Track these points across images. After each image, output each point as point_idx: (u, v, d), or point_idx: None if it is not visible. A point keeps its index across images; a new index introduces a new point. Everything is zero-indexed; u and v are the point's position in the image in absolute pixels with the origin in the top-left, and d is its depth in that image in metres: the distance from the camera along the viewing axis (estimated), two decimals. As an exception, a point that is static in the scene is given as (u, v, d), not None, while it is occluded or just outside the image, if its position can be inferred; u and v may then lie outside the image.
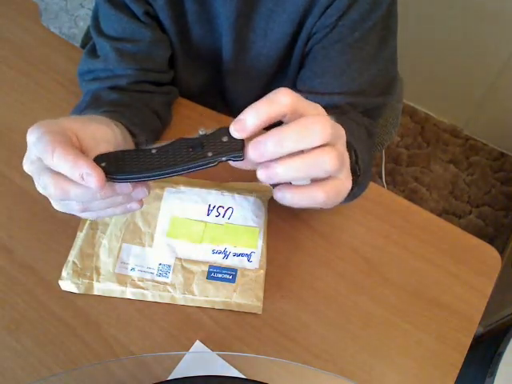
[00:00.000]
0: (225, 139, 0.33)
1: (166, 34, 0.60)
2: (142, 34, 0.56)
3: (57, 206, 0.39)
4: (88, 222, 0.53)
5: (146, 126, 0.53)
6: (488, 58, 1.36)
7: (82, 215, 0.39)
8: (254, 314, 0.50)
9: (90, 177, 0.32)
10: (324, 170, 0.32)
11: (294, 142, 0.30)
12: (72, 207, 0.37)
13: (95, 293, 0.50)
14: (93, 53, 0.58)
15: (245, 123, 0.31)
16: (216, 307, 0.50)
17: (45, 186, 0.35)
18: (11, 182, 0.59)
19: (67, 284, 0.50)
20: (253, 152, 0.31)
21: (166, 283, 0.51)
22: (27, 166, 0.37)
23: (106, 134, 0.40)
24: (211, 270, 0.51)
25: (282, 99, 0.31)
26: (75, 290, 0.50)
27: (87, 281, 0.50)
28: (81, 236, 0.53)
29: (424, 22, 1.37)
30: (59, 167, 0.33)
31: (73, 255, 0.51)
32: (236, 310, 0.50)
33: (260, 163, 0.31)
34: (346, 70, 0.55)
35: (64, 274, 0.50)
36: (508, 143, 1.57)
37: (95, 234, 0.53)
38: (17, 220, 0.56)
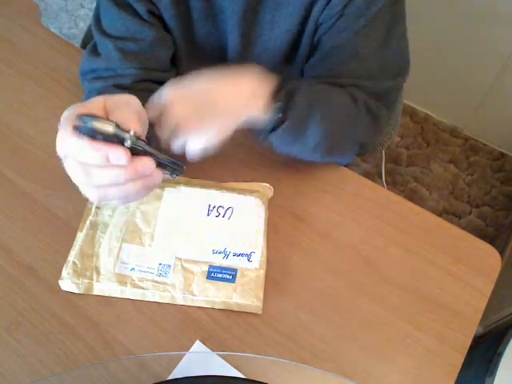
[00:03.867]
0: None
1: (169, 33, 0.60)
2: (144, 32, 0.56)
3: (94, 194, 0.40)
4: (88, 222, 0.53)
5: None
6: (488, 59, 1.36)
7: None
8: (254, 313, 0.50)
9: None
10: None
11: None
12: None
13: (95, 293, 0.50)
14: (94, 51, 0.58)
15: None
16: (216, 307, 0.50)
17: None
18: (11, 182, 0.59)
19: (67, 284, 0.50)
20: None
21: (165, 283, 0.51)
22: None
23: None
24: (211, 269, 0.51)
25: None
26: (75, 290, 0.50)
27: (87, 281, 0.50)
28: (81, 236, 0.53)
29: (424, 22, 1.37)
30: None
31: (73, 255, 0.51)
32: (236, 309, 0.50)
33: None
34: (353, 57, 0.56)
35: (64, 273, 0.50)
36: (508, 143, 1.57)
37: (95, 234, 0.53)
38: (17, 220, 0.56)
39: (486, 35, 1.31)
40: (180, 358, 0.47)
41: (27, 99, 0.67)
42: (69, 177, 0.59)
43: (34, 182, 0.59)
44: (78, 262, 0.51)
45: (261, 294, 0.51)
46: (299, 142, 0.52)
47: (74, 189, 0.58)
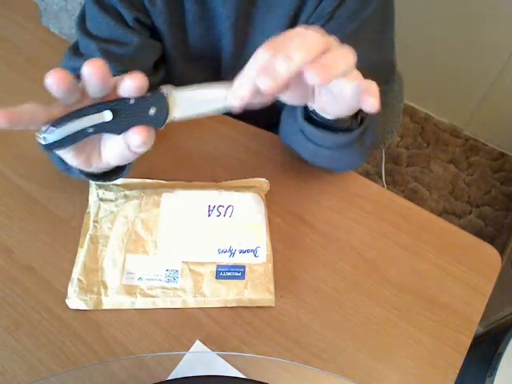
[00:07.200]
0: (152, 111, 0.35)
1: (158, 39, 0.60)
2: (128, 38, 0.56)
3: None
4: (88, 237, 0.52)
5: None
6: (488, 58, 1.36)
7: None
8: (254, 314, 0.50)
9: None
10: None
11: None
12: None
13: (104, 307, 0.49)
14: (76, 51, 0.58)
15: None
16: (229, 305, 0.50)
17: None
18: (11, 181, 0.59)
19: (75, 302, 0.49)
20: (268, 81, 0.32)
21: (175, 288, 0.50)
22: None
23: None
24: (219, 269, 0.51)
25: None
26: (84, 307, 0.49)
27: (95, 296, 0.49)
28: (82, 252, 0.51)
29: (424, 22, 1.37)
30: None
31: (76, 272, 0.50)
32: (249, 305, 0.50)
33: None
34: None
35: (70, 292, 0.49)
36: (508, 143, 1.57)
37: (97, 248, 0.52)
38: (17, 220, 0.56)
39: (486, 35, 1.31)
40: (180, 357, 0.47)
41: (27, 99, 0.67)
42: (69, 177, 0.59)
43: (34, 182, 0.59)
44: (83, 279, 0.50)
45: (272, 287, 0.51)
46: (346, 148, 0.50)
47: (74, 189, 0.58)
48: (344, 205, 0.59)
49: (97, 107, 0.35)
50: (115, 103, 0.35)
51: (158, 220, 0.53)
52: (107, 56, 0.55)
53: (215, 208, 0.54)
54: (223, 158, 0.62)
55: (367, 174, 1.53)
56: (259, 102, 0.36)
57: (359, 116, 0.47)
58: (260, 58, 0.33)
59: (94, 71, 0.34)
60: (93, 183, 0.56)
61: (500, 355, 0.88)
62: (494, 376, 0.86)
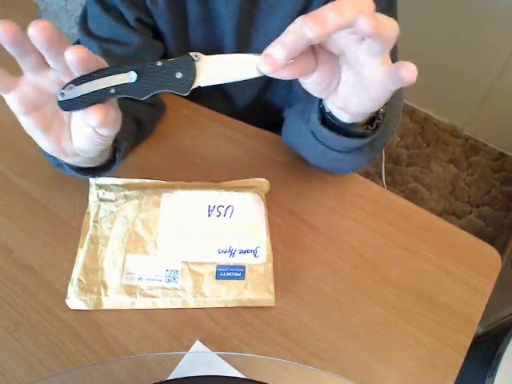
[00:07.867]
0: (178, 76, 0.34)
1: (160, 40, 0.60)
2: (130, 38, 0.56)
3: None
4: (88, 237, 0.52)
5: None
6: (488, 58, 1.36)
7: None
8: (254, 314, 0.50)
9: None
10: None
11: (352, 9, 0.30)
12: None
13: (104, 307, 0.49)
14: None
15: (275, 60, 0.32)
16: (229, 306, 0.50)
17: None
18: (11, 181, 0.59)
19: (74, 302, 0.49)
20: (315, 26, 0.30)
21: (175, 288, 0.50)
22: None
23: None
24: (219, 269, 0.51)
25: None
26: (84, 307, 0.49)
27: (95, 296, 0.49)
28: (82, 252, 0.51)
29: (424, 22, 1.37)
30: None
31: (76, 272, 0.50)
32: (249, 305, 0.50)
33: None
34: None
35: (70, 292, 0.49)
36: (508, 143, 1.57)
37: (97, 248, 0.52)
38: (17, 220, 0.56)
39: (486, 35, 1.31)
40: (180, 358, 0.47)
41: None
42: (69, 177, 0.59)
43: (33, 182, 0.59)
44: (83, 279, 0.50)
45: (272, 287, 0.51)
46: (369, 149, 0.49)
47: (74, 189, 0.58)
48: (344, 205, 0.59)
49: (121, 67, 0.34)
50: (141, 65, 0.34)
51: (157, 220, 0.53)
52: (108, 56, 0.55)
53: (215, 208, 0.54)
54: (223, 158, 0.62)
55: (367, 174, 1.53)
56: (287, 74, 0.34)
57: (374, 122, 0.45)
58: (296, 26, 0.31)
59: (38, 32, 0.32)
60: (93, 183, 0.56)
61: (500, 355, 0.88)
62: (494, 376, 0.86)
